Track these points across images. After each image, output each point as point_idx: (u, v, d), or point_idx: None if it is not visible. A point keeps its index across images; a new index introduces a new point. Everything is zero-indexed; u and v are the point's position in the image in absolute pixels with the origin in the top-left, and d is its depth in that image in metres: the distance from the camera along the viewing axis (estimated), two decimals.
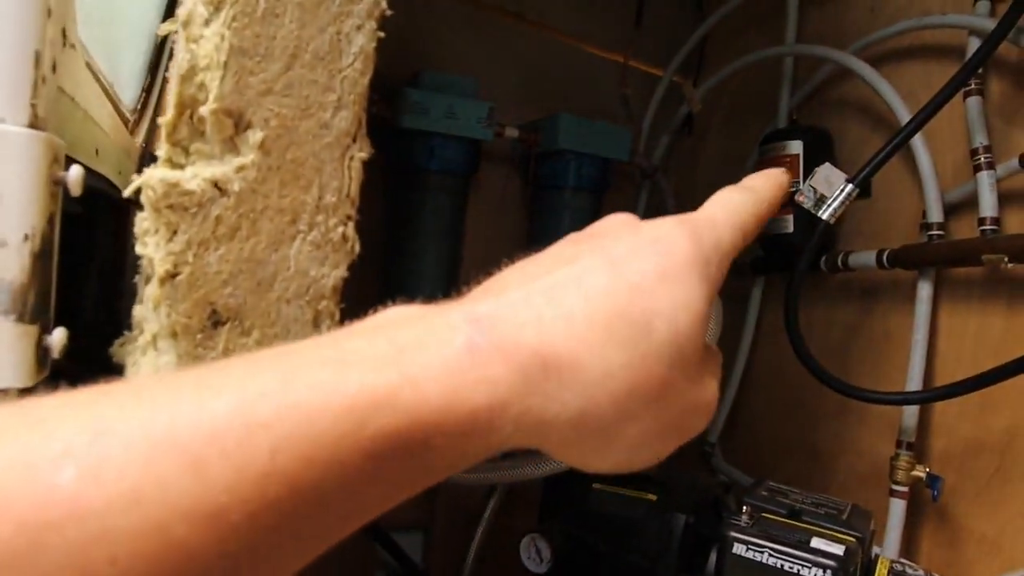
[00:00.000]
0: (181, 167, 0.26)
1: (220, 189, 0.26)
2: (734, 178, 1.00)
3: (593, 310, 0.20)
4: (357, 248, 0.29)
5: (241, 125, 0.27)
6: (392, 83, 0.81)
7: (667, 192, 1.00)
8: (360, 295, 0.86)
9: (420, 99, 0.76)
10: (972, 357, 0.67)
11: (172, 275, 0.25)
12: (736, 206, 0.26)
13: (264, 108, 0.26)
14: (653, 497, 0.60)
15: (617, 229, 0.24)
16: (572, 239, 0.24)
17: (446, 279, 0.84)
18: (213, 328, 0.26)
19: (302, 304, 0.27)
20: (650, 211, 1.06)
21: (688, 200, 1.07)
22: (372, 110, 0.79)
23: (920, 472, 0.66)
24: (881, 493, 0.70)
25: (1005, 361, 0.56)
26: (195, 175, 0.26)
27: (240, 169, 0.26)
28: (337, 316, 0.29)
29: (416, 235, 0.81)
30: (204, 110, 0.26)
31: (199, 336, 0.26)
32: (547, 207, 0.89)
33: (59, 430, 0.14)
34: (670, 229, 0.23)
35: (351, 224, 0.29)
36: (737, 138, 0.99)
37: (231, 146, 0.27)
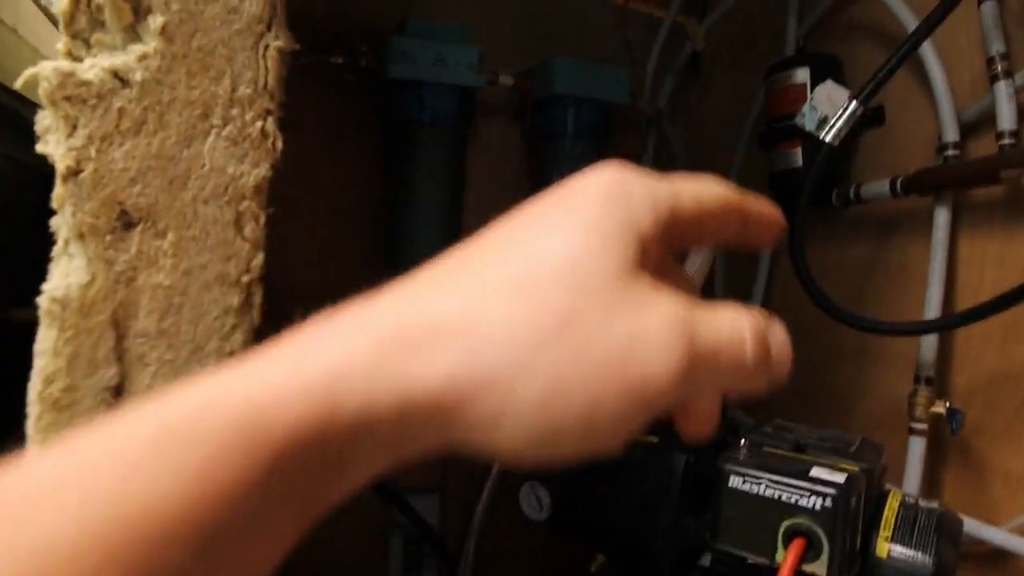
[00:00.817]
0: (81, 60, 0.25)
1: (121, 80, 0.25)
2: (744, 119, 0.97)
3: (480, 261, 0.19)
4: (280, 145, 0.28)
5: (141, 11, 0.25)
6: (380, 33, 0.79)
7: (674, 138, 0.96)
8: (363, 256, 0.85)
9: (406, 47, 0.74)
10: (994, 284, 0.63)
11: (74, 172, 0.24)
12: (695, 185, 0.22)
13: None
14: (654, 439, 0.58)
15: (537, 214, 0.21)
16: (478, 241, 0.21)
17: (448, 232, 0.82)
18: (124, 230, 0.25)
19: (221, 204, 0.26)
20: (658, 159, 1.03)
21: (697, 146, 1.03)
22: (361, 62, 0.77)
23: (940, 407, 0.63)
24: (903, 436, 0.67)
25: None
26: (93, 65, 0.24)
27: (142, 58, 0.25)
28: (262, 219, 0.27)
29: (414, 190, 0.80)
30: None
31: (108, 238, 0.25)
32: (547, 156, 0.86)
33: None
34: (593, 172, 0.20)
35: (271, 119, 0.27)
36: (745, 76, 0.95)
37: (132, 35, 0.25)
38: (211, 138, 0.25)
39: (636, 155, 0.99)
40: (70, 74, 0.24)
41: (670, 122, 1.00)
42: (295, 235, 0.81)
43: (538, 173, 0.88)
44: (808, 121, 0.58)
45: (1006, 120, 0.58)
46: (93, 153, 0.24)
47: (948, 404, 0.62)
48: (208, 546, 0.14)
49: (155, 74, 0.25)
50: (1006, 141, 0.58)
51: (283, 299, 0.75)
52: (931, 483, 0.67)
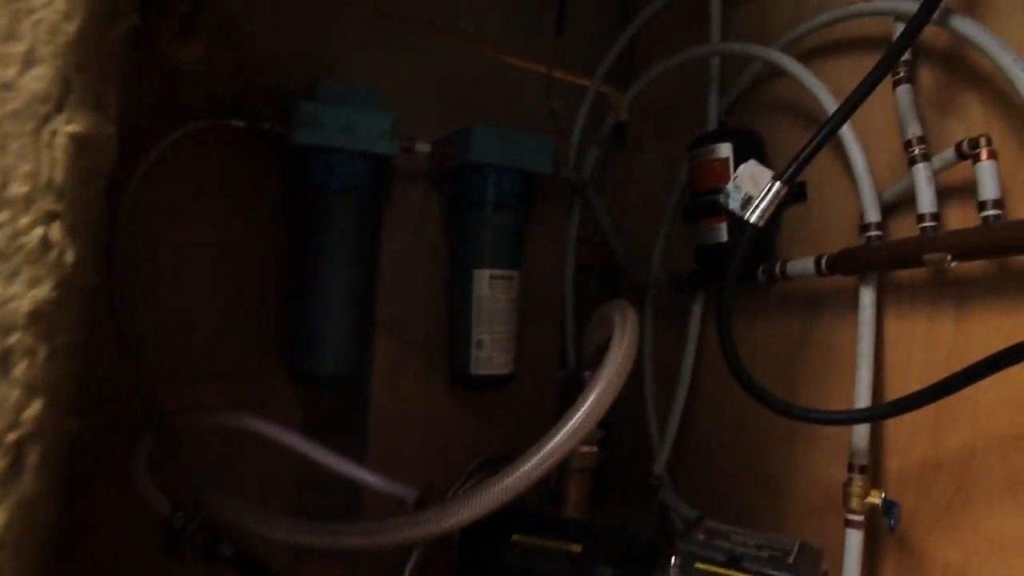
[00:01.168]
0: None
1: None
2: (670, 189, 0.95)
3: None
4: (70, 258, 0.22)
5: None
6: (290, 96, 0.74)
7: (599, 208, 0.94)
8: (265, 332, 0.78)
9: (314, 112, 0.69)
10: (923, 366, 0.61)
11: None
12: None
13: None
14: (577, 548, 0.52)
15: None
16: None
17: (358, 307, 0.76)
18: None
19: None
20: (584, 227, 1.00)
21: (624, 215, 1.01)
22: (265, 126, 0.72)
23: (875, 498, 0.60)
24: (838, 521, 0.64)
25: (957, 369, 0.50)
26: None
27: None
28: (42, 354, 0.21)
29: (321, 261, 0.74)
30: None
31: None
32: (467, 225, 0.82)
33: None
34: None
35: (57, 226, 0.21)
36: (670, 147, 0.94)
37: None
38: None
39: (561, 223, 0.96)
40: None
41: (597, 191, 0.98)
42: (194, 312, 0.74)
43: (458, 242, 0.83)
44: (732, 201, 0.55)
45: (926, 203, 0.57)
46: None
47: (883, 495, 0.59)
48: None
49: None
50: (927, 223, 0.57)
51: (169, 417, 0.68)
52: (870, 574, 0.63)
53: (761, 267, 0.71)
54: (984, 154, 0.53)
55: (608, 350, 0.46)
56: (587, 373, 0.54)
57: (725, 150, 0.73)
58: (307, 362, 0.74)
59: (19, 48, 0.20)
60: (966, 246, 0.52)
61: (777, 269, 0.69)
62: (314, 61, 0.83)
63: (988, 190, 0.53)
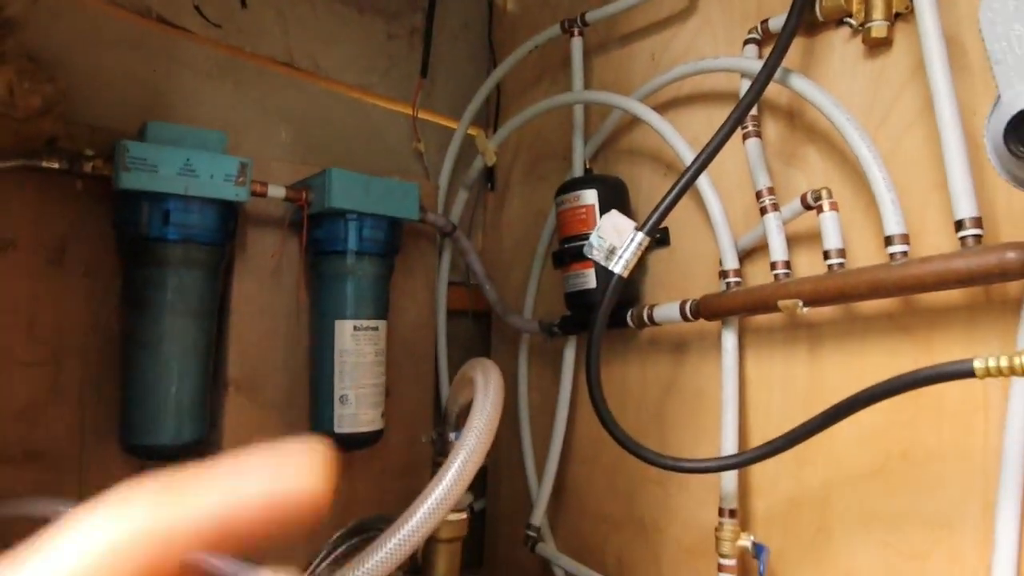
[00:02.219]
0: None
1: None
2: (539, 233, 0.94)
3: None
4: None
5: None
6: (119, 137, 0.66)
7: (469, 250, 0.91)
8: (90, 401, 0.68)
9: (146, 153, 0.62)
10: (781, 406, 0.63)
11: None
12: (215, 496, 0.17)
13: None
14: None
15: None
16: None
17: (201, 369, 0.69)
18: None
19: None
20: (456, 271, 0.98)
21: (495, 256, 1.00)
22: (87, 167, 0.64)
23: (746, 541, 0.60)
24: (712, 564, 0.64)
25: (812, 410, 0.52)
26: None
27: None
28: None
29: (157, 320, 0.66)
30: None
31: None
32: (328, 274, 0.77)
33: None
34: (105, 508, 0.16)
35: None
36: (538, 190, 0.94)
37: None
38: None
39: (431, 267, 0.93)
40: None
41: (468, 233, 0.96)
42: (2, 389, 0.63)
43: (318, 292, 0.78)
44: (596, 251, 0.55)
45: (778, 251, 0.59)
46: None
47: (752, 539, 0.59)
48: None
49: None
50: (779, 271, 0.59)
51: None
52: None
53: (630, 312, 0.71)
54: (827, 205, 0.56)
55: (470, 416, 0.43)
56: (453, 436, 0.50)
57: (590, 197, 0.73)
58: (141, 433, 0.65)
59: None
60: (815, 293, 0.55)
61: (645, 315, 0.70)
62: (152, 99, 0.76)
63: (831, 240, 0.55)
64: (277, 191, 0.73)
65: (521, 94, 0.98)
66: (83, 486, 0.66)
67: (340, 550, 0.62)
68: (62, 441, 0.67)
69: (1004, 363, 0.40)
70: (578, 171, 0.82)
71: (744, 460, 0.53)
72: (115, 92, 0.72)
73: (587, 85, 0.85)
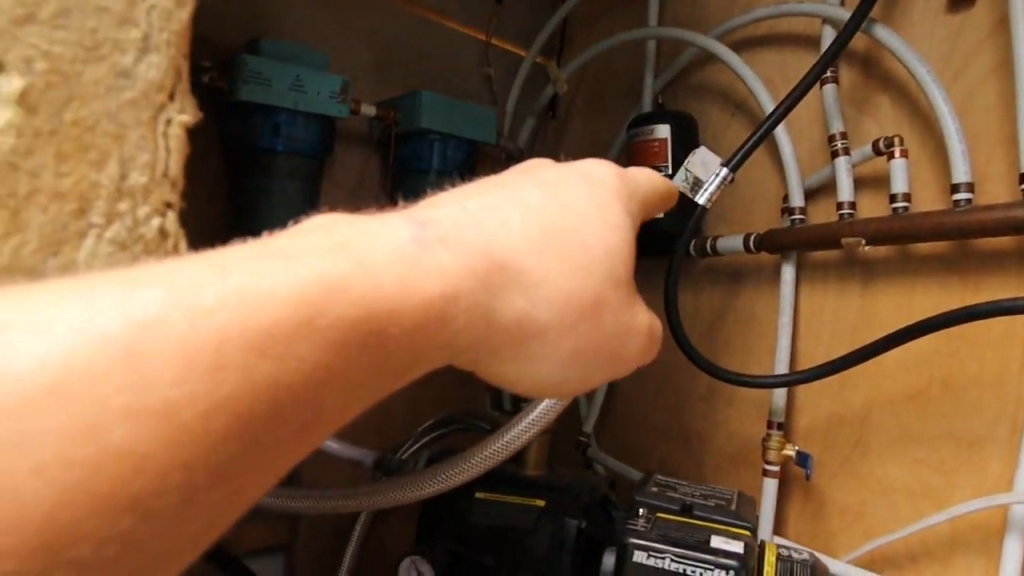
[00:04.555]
0: None
1: None
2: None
3: (529, 222, 0.21)
4: (183, 247, 0.22)
5: None
6: (225, 51, 0.70)
7: None
8: None
9: (262, 68, 0.66)
10: (831, 336, 0.70)
11: None
12: (650, 174, 0.28)
13: (24, 43, 0.17)
14: (541, 503, 0.56)
15: (542, 164, 0.25)
16: (493, 177, 0.24)
17: None
18: None
19: None
20: None
21: None
22: (204, 79, 0.68)
23: (790, 451, 0.68)
24: (751, 471, 0.72)
25: (860, 340, 0.58)
26: None
27: None
28: None
29: (261, 228, 0.71)
30: None
31: None
32: (410, 191, 0.82)
33: None
34: (596, 164, 0.25)
35: (171, 214, 0.21)
36: (601, 121, 0.98)
37: None
38: (89, 241, 0.18)
39: None
40: None
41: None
42: None
43: (401, 204, 0.83)
44: (683, 183, 0.60)
45: (846, 192, 0.64)
46: None
47: (797, 448, 0.67)
48: (313, 420, 0.16)
49: (9, 156, 0.17)
50: (845, 211, 0.64)
51: None
52: (778, 518, 0.72)
53: (693, 242, 0.77)
54: (897, 152, 0.60)
55: None
56: None
57: (663, 131, 0.77)
58: None
59: (134, 34, 0.19)
60: (879, 232, 0.60)
61: (708, 245, 0.75)
62: (251, 15, 0.79)
63: (899, 184, 0.60)
64: (369, 109, 0.77)
65: (590, 24, 1.01)
66: None
67: (428, 438, 0.70)
68: None
69: None
70: (647, 106, 0.86)
71: (802, 378, 0.60)
72: (220, 6, 0.75)
73: (660, 19, 0.87)
